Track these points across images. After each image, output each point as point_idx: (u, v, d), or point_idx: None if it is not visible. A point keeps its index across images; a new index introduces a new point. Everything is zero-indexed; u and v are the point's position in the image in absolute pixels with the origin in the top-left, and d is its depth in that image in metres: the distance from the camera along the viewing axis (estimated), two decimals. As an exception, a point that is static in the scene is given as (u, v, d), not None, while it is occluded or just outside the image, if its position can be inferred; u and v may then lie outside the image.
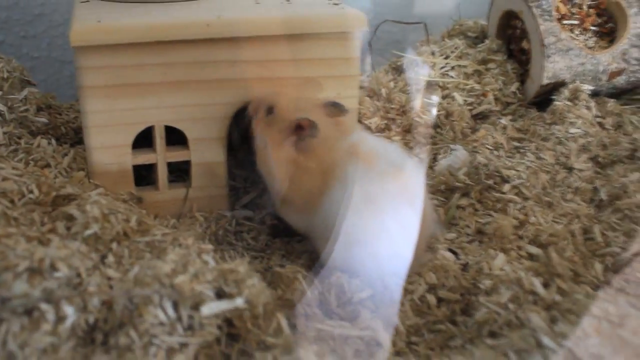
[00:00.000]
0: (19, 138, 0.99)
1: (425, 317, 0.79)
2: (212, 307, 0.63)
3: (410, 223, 0.81)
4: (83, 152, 0.97)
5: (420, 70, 1.30)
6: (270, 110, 0.89)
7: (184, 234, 0.77)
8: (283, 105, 0.89)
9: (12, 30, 1.56)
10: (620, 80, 1.26)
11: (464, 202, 0.99)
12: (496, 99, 1.26)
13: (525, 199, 0.97)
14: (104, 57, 0.88)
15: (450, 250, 0.89)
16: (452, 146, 1.12)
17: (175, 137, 0.97)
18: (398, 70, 1.34)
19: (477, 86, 1.27)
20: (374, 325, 0.72)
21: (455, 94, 1.25)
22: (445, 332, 0.77)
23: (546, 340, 0.64)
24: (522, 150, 1.10)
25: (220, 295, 0.65)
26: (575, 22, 1.27)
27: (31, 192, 0.81)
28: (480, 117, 1.25)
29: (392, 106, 1.21)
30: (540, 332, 0.65)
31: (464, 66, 1.31)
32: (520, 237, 0.91)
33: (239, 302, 0.64)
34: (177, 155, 0.97)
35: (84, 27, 0.87)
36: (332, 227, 0.81)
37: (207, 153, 0.97)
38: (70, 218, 0.76)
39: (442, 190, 1.03)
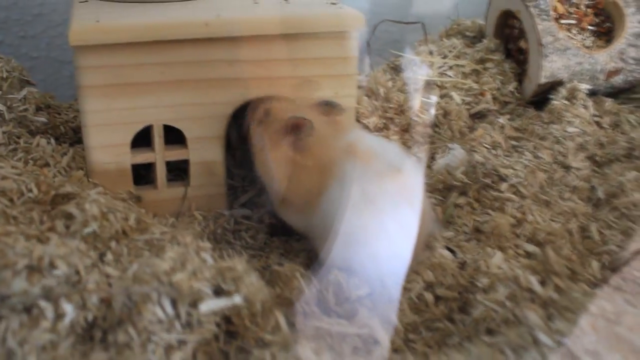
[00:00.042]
0: (18, 137, 1.00)
1: (423, 315, 0.80)
2: (210, 305, 0.63)
3: (409, 222, 0.81)
4: (82, 152, 0.97)
5: (418, 69, 1.30)
6: (267, 113, 0.90)
7: (182, 232, 0.77)
8: (278, 107, 0.90)
9: (11, 30, 1.56)
10: (618, 80, 1.26)
11: (461, 200, 1.00)
12: (494, 99, 1.26)
13: (523, 197, 0.97)
14: (102, 56, 0.89)
15: (448, 249, 0.90)
16: (450, 145, 1.12)
17: (173, 137, 0.97)
18: (396, 69, 1.35)
19: (475, 85, 1.28)
20: (372, 323, 0.72)
21: (453, 94, 1.26)
22: (443, 329, 0.77)
23: (543, 337, 0.64)
24: (519, 149, 1.10)
25: (218, 292, 0.65)
26: (573, 21, 1.27)
27: (30, 191, 0.82)
28: (478, 117, 1.25)
29: (391, 105, 1.21)
30: (536, 329, 0.66)
31: (462, 66, 1.31)
32: (518, 236, 0.91)
33: (237, 299, 0.64)
34: (176, 154, 0.98)
35: (83, 27, 0.88)
36: (330, 226, 0.81)
37: (205, 152, 0.98)
38: (69, 216, 0.76)
39: (440, 189, 1.03)
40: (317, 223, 0.84)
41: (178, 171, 1.02)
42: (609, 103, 1.20)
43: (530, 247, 0.88)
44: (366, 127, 1.17)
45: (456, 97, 1.25)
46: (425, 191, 0.89)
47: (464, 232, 0.94)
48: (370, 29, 1.49)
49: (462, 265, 0.86)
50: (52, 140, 1.00)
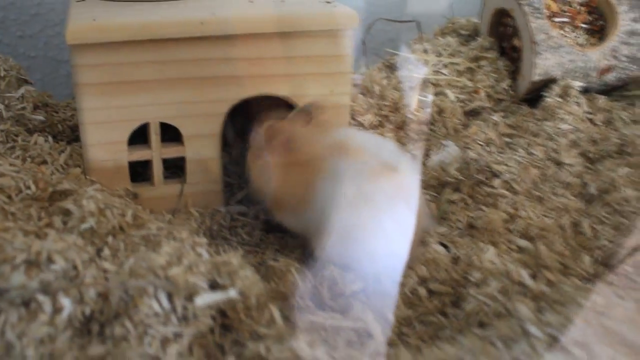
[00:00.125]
0: (16, 135, 1.00)
1: (416, 309, 0.81)
2: (205, 298, 0.64)
3: (406, 219, 0.82)
4: (79, 149, 0.98)
5: (413, 68, 1.31)
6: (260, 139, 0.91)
7: (178, 228, 0.78)
8: (264, 134, 0.90)
9: (8, 30, 1.57)
10: (611, 77, 1.27)
11: (455, 197, 1.01)
12: (488, 96, 1.27)
13: (516, 193, 0.98)
14: (99, 55, 0.90)
15: (442, 244, 0.91)
16: (444, 142, 1.13)
17: (170, 134, 0.98)
18: (391, 68, 1.35)
19: (469, 83, 1.29)
20: (366, 317, 0.73)
21: (448, 91, 1.27)
22: (436, 323, 0.78)
23: (532, 329, 0.65)
24: (513, 146, 1.11)
25: (213, 286, 0.66)
26: (566, 19, 1.29)
27: (28, 187, 0.82)
28: (473, 114, 1.26)
29: (386, 103, 1.22)
30: (527, 321, 0.67)
31: (457, 64, 1.32)
32: (511, 231, 0.92)
33: (232, 293, 0.65)
34: (172, 151, 0.98)
35: (80, 26, 0.88)
36: (323, 221, 0.82)
37: (201, 149, 0.99)
38: (66, 213, 0.77)
39: (434, 185, 1.04)
40: (310, 219, 0.85)
41: (175, 168, 1.03)
42: (601, 100, 1.22)
43: (523, 242, 0.89)
44: (361, 124, 1.18)
45: (450, 94, 1.26)
46: (420, 187, 0.90)
47: (458, 227, 0.95)
48: (366, 28, 1.50)
49: (456, 260, 0.87)
50: (50, 138, 1.01)
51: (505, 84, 1.29)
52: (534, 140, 1.12)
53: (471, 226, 0.95)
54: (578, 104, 1.18)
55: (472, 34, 1.44)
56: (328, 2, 1.03)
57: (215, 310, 0.65)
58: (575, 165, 1.06)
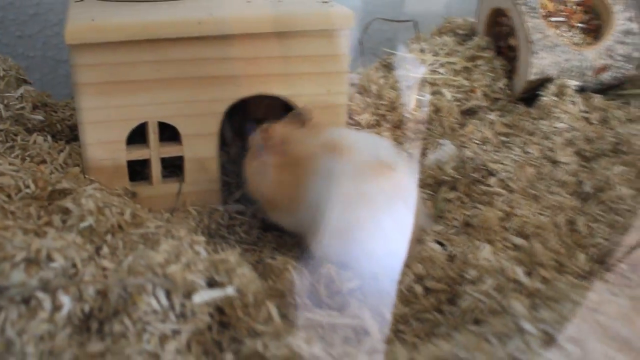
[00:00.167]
0: (15, 135, 1.01)
1: (413, 307, 0.81)
2: (203, 296, 0.65)
3: (403, 218, 0.83)
4: (78, 149, 0.99)
5: (410, 67, 1.32)
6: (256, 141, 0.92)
7: (176, 226, 0.78)
8: (260, 135, 0.91)
9: (7, 30, 1.57)
10: (606, 76, 1.28)
11: (451, 195, 1.01)
12: (484, 95, 1.28)
13: (512, 192, 0.99)
14: (98, 54, 0.90)
15: (438, 242, 0.91)
16: (440, 141, 1.14)
17: (168, 133, 0.99)
18: (388, 67, 1.36)
19: (465, 82, 1.29)
20: (363, 314, 0.74)
21: (444, 90, 1.27)
22: (432, 320, 0.79)
23: (527, 326, 0.66)
24: (509, 145, 1.12)
25: (211, 284, 0.66)
26: (562, 19, 1.29)
27: (28, 187, 0.83)
28: (469, 113, 1.27)
29: (383, 102, 1.23)
30: (521, 318, 0.67)
31: (453, 63, 1.33)
32: (506, 229, 0.93)
33: (230, 290, 0.66)
34: (171, 150, 0.99)
35: (79, 26, 0.89)
36: (317, 218, 0.82)
37: (199, 149, 0.99)
38: (65, 211, 0.77)
39: (430, 183, 1.05)
40: (304, 218, 0.86)
41: (173, 167, 1.04)
42: (597, 99, 1.22)
43: (518, 240, 0.90)
44: (358, 123, 1.19)
45: (447, 94, 1.27)
46: (417, 186, 0.90)
47: (454, 225, 0.96)
48: (363, 27, 1.51)
49: (452, 258, 0.88)
50: (49, 138, 1.02)
51: (501, 83, 1.29)
52: (529, 139, 1.12)
53: (467, 224, 0.95)
54: (574, 103, 1.19)
55: (468, 34, 1.45)
56: (325, 2, 1.03)
57: (213, 307, 0.66)
58: (571, 164, 1.07)
